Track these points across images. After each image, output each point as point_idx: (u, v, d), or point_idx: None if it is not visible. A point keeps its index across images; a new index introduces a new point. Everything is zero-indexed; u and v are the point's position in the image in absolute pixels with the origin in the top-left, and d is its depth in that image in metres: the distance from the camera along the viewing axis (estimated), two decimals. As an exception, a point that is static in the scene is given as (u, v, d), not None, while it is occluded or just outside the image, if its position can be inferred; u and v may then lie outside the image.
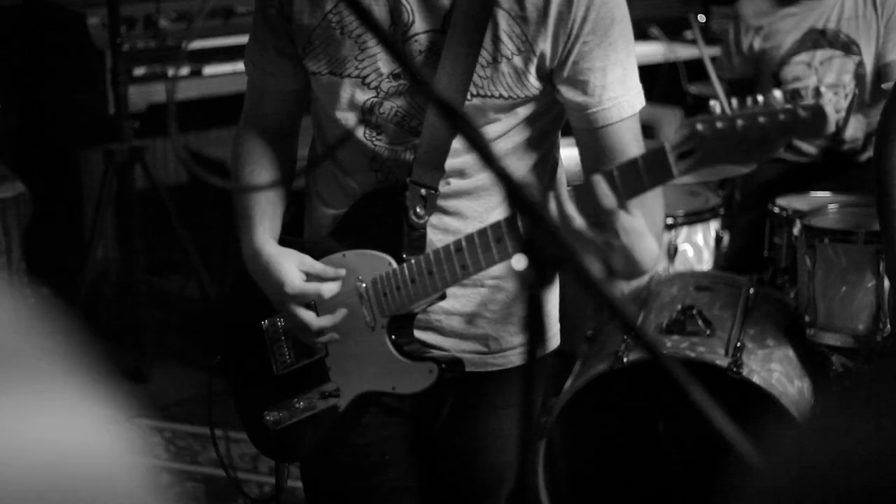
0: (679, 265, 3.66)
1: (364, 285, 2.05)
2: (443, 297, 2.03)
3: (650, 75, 5.53)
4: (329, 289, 2.05)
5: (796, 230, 3.44)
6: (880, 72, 4.09)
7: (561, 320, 2.26)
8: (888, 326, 3.26)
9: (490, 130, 1.99)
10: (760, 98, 1.52)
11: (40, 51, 4.59)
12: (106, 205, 4.20)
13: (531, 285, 1.45)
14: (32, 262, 4.08)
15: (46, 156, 4.87)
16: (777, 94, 1.50)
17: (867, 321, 3.29)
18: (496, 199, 2.04)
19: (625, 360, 3.10)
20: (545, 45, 1.93)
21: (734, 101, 1.59)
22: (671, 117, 5.76)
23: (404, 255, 2.01)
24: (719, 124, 1.57)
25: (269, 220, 2.12)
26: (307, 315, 2.06)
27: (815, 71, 4.09)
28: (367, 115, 2.02)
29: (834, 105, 4.02)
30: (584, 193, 1.76)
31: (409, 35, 1.97)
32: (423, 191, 2.00)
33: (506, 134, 2.01)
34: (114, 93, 4.06)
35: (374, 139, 2.03)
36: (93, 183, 4.56)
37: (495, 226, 1.89)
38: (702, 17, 5.81)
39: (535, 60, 1.94)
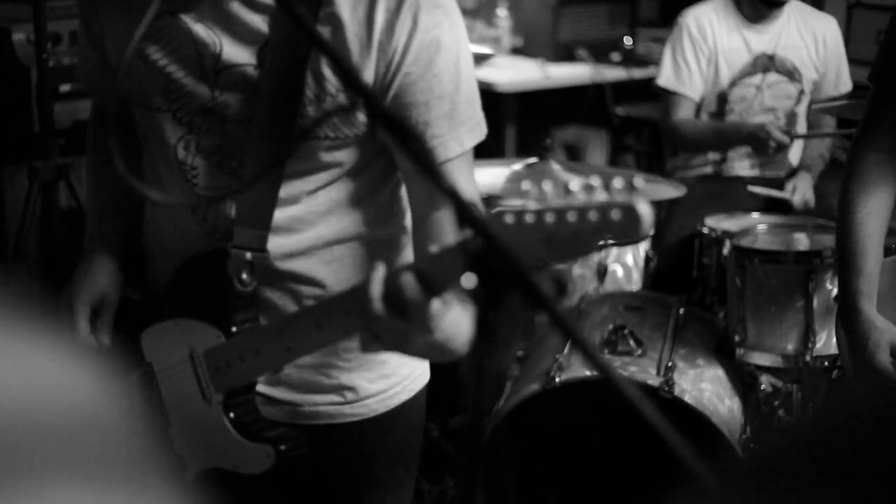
0: (609, 286, 3.67)
1: (196, 358, 1.84)
2: (280, 369, 1.83)
3: (577, 97, 5.57)
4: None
5: (726, 250, 3.47)
6: (811, 110, 4.26)
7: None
8: (817, 346, 3.30)
9: (316, 179, 1.82)
10: (578, 190, 1.32)
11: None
12: (29, 223, 4.13)
13: (481, 306, 1.41)
14: (-47, 281, 3.99)
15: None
16: (594, 181, 1.31)
17: (796, 341, 3.32)
18: (332, 258, 1.87)
19: (557, 380, 3.10)
20: (369, 78, 1.76)
21: (541, 188, 1.40)
22: (598, 139, 5.79)
23: (234, 328, 1.80)
24: (527, 218, 1.35)
25: (111, 220, 2.04)
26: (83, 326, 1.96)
27: (762, 93, 4.20)
28: (180, 152, 1.85)
29: (774, 125, 4.10)
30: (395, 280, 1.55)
31: (219, 67, 1.79)
32: (247, 255, 1.80)
33: (336, 181, 1.84)
34: (39, 109, 3.99)
35: (191, 180, 1.85)
36: (16, 200, 4.48)
37: (344, 296, 1.65)
38: (628, 40, 5.85)
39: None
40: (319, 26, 1.74)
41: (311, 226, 1.85)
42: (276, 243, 1.84)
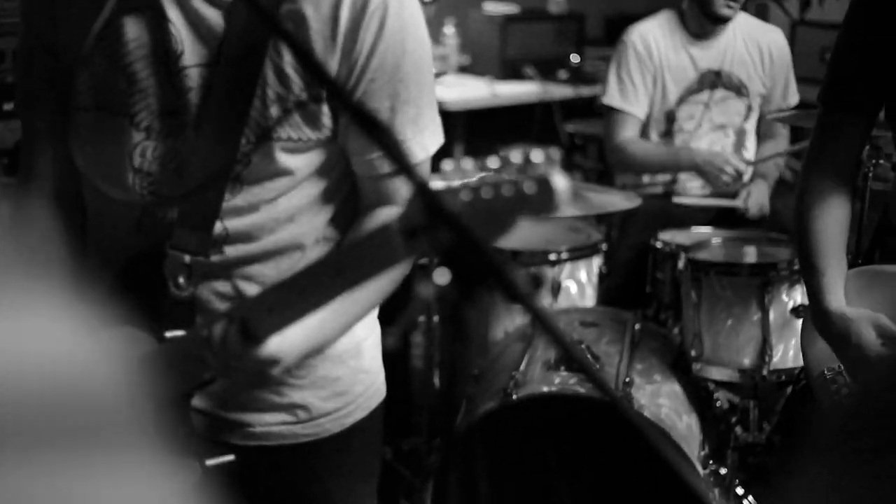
0: (563, 302, 3.64)
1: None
2: (212, 380, 1.73)
3: (525, 115, 5.56)
4: None
5: (681, 264, 3.46)
6: (762, 119, 4.25)
7: (443, 360, 2.16)
8: (774, 360, 3.29)
9: (275, 186, 1.76)
10: (496, 167, 1.32)
11: None
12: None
13: (454, 301, 1.38)
14: None
15: None
16: (514, 156, 1.31)
17: (752, 355, 3.31)
18: (291, 263, 1.81)
19: (514, 396, 3.07)
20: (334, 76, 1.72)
21: (459, 166, 1.39)
22: (550, 156, 5.78)
23: (166, 335, 1.71)
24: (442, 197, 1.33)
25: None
26: None
27: (710, 110, 4.18)
28: (136, 159, 1.76)
29: (722, 146, 4.11)
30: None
31: (179, 67, 1.72)
32: (186, 258, 1.74)
33: (295, 188, 1.79)
34: (-19, 129, 3.92)
35: (144, 189, 1.77)
36: (-43, 223, 4.40)
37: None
38: (576, 58, 5.85)
39: (324, 95, 1.73)
40: (283, 23, 1.69)
41: (270, 233, 1.80)
42: (235, 250, 1.79)
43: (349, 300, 1.57)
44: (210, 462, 1.79)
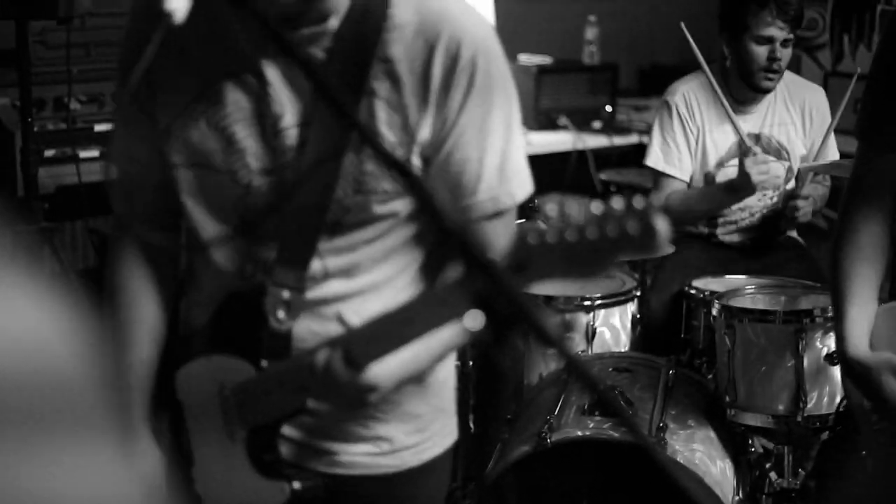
0: (597, 347, 3.66)
1: (225, 393, 1.89)
2: (303, 409, 1.86)
3: (560, 164, 5.59)
4: None
5: (715, 311, 3.47)
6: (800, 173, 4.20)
7: (478, 404, 2.18)
8: (808, 406, 3.29)
9: (373, 229, 1.85)
10: (595, 206, 1.37)
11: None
12: (12, 288, 4.10)
13: (488, 345, 1.43)
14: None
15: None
16: (617, 202, 1.36)
17: (787, 401, 3.31)
18: (384, 301, 1.86)
19: (548, 441, 3.08)
20: (426, 134, 1.80)
21: (563, 209, 1.45)
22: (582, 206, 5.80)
23: (263, 364, 1.85)
24: (549, 237, 1.40)
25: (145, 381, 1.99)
26: None
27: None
28: (236, 212, 1.87)
29: (763, 205, 4.09)
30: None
31: (278, 129, 1.82)
32: (285, 293, 1.84)
33: (395, 228, 1.87)
34: (23, 174, 3.99)
35: (243, 236, 1.89)
36: (-2, 267, 4.46)
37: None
38: (609, 108, 5.89)
39: (417, 150, 1.81)
40: (376, 81, 1.79)
41: (367, 271, 1.88)
42: (332, 287, 1.87)
43: (438, 337, 1.70)
44: (297, 486, 1.89)
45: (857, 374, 2.38)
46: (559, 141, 5.61)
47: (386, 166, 1.76)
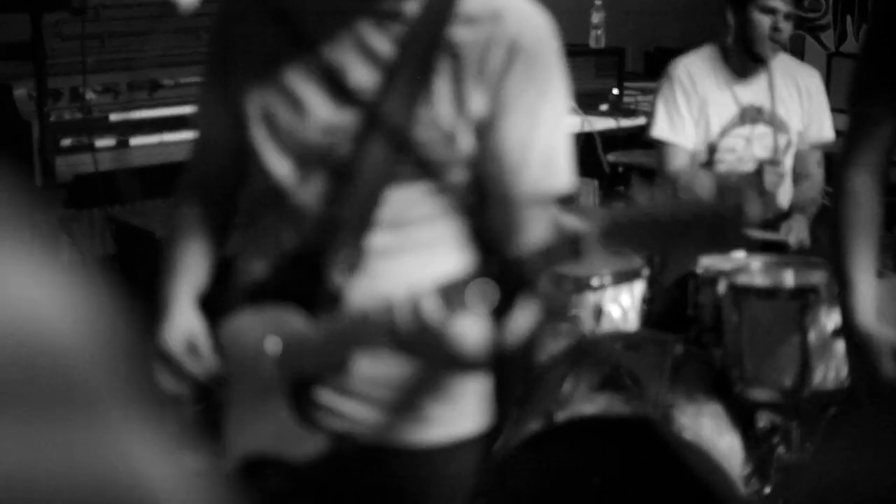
0: (606, 326, 3.71)
1: (272, 342, 1.94)
2: (346, 366, 1.93)
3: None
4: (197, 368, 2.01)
5: (721, 288, 3.52)
6: (798, 155, 4.35)
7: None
8: (815, 381, 3.34)
9: (420, 187, 1.94)
10: (689, 186, 1.51)
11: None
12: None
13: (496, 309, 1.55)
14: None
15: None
16: (706, 179, 1.50)
17: (793, 376, 3.36)
18: (435, 257, 1.96)
19: (557, 418, 3.13)
20: (479, 111, 1.89)
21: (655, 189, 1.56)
22: (588, 187, 5.86)
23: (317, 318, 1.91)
24: (634, 215, 1.58)
25: (191, 275, 2.08)
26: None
27: (751, 145, 4.26)
28: (305, 167, 1.96)
29: (774, 180, 4.17)
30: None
31: (346, 90, 1.93)
32: (345, 252, 1.91)
33: (441, 192, 1.96)
34: (41, 163, 4.05)
35: (306, 191, 1.96)
36: (17, 255, 4.50)
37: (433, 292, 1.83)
38: (616, 91, 5.94)
39: (468, 126, 1.89)
40: (440, 61, 1.89)
41: (415, 231, 1.95)
42: (382, 241, 1.94)
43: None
44: (331, 439, 1.95)
45: (861, 343, 2.43)
46: (567, 124, 5.66)
47: None
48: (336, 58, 1.92)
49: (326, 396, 1.98)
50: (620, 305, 3.77)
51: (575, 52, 5.99)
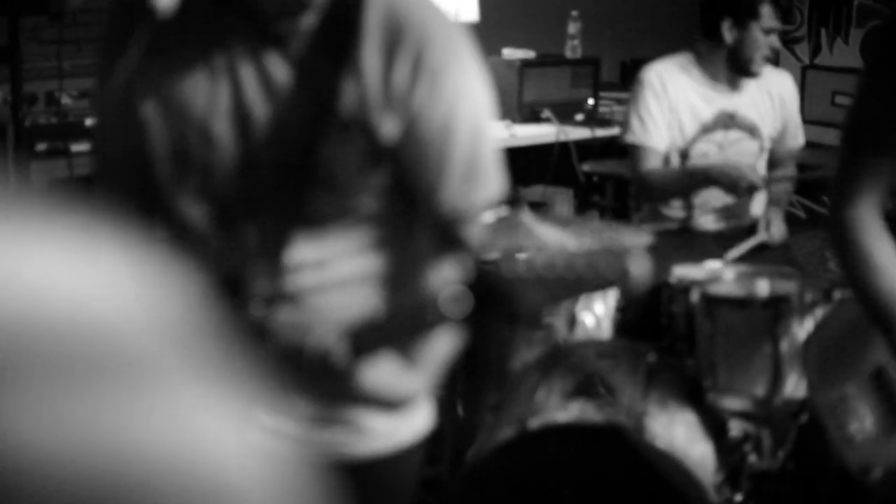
0: (579, 335, 3.73)
1: None
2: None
3: (543, 156, 5.66)
4: None
5: (694, 298, 3.54)
6: (773, 156, 4.39)
7: (466, 390, 2.20)
8: (786, 390, 3.37)
9: (345, 222, 1.89)
10: (575, 244, 1.47)
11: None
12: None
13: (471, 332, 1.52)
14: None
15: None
16: (596, 241, 1.47)
17: (765, 385, 3.38)
18: (358, 298, 1.91)
19: (530, 425, 3.14)
20: (389, 130, 1.81)
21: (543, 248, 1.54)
22: (563, 196, 5.89)
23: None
24: (527, 273, 1.52)
25: None
26: None
27: (724, 151, 4.29)
28: (214, 202, 1.89)
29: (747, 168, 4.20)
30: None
31: (250, 121, 1.85)
32: (263, 284, 1.85)
33: (363, 224, 1.91)
34: (15, 168, 4.05)
35: (213, 222, 1.89)
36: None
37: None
38: (591, 101, 5.97)
39: (381, 148, 1.82)
40: (344, 79, 1.80)
41: (337, 264, 1.89)
42: (301, 279, 1.88)
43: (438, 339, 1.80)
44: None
45: None
46: (542, 133, 5.68)
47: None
48: (238, 87, 1.84)
49: (263, 419, 1.91)
50: (594, 314, 3.78)
51: (551, 62, 6.05)
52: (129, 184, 1.99)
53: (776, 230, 4.30)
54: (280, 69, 1.83)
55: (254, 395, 1.75)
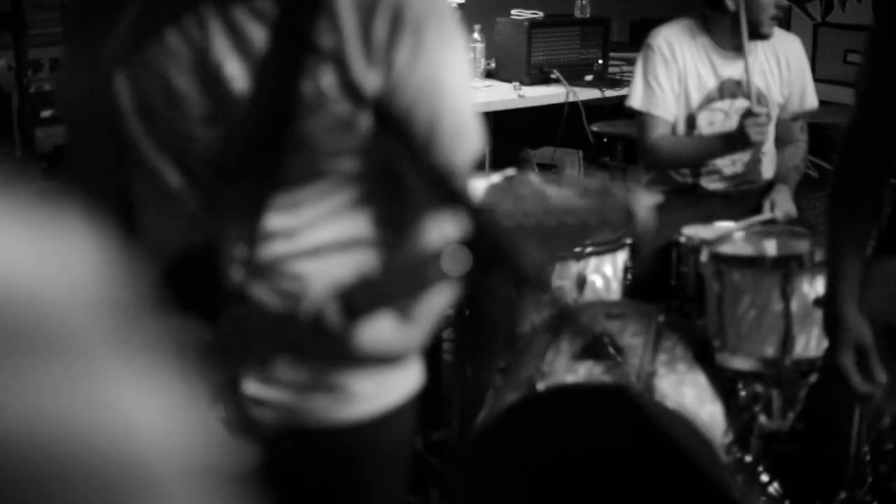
0: (588, 296, 3.71)
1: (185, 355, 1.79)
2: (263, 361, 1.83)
3: (552, 117, 5.64)
4: None
5: (704, 258, 3.52)
6: (780, 123, 4.33)
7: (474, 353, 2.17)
8: (796, 350, 3.35)
9: (316, 187, 1.83)
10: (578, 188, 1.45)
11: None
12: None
13: (478, 295, 1.50)
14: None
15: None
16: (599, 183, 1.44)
17: (775, 345, 3.37)
18: (338, 264, 1.84)
19: (538, 387, 3.13)
20: (374, 85, 1.76)
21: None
22: (573, 158, 5.87)
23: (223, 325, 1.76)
24: (528, 222, 1.49)
25: None
26: None
27: (730, 119, 4.25)
28: (184, 163, 1.82)
29: (757, 130, 4.15)
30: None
31: (219, 78, 1.78)
32: (236, 251, 1.80)
33: (338, 188, 1.84)
34: (21, 135, 4.04)
35: (188, 183, 1.83)
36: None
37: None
38: (600, 61, 5.93)
39: (365, 108, 1.76)
40: (321, 36, 1.74)
41: (312, 230, 1.85)
42: (276, 248, 1.83)
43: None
44: (263, 444, 1.85)
45: (830, 327, 2.47)
46: (551, 94, 5.65)
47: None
48: (205, 42, 1.78)
49: (252, 387, 1.90)
50: (603, 275, 3.77)
51: (560, 22, 6.01)
52: (98, 145, 1.92)
53: (781, 210, 4.24)
54: (253, 26, 1.78)
55: (210, 377, 1.70)
